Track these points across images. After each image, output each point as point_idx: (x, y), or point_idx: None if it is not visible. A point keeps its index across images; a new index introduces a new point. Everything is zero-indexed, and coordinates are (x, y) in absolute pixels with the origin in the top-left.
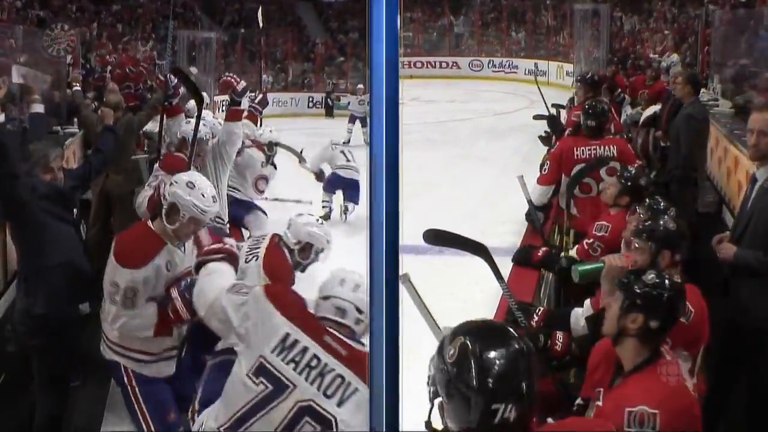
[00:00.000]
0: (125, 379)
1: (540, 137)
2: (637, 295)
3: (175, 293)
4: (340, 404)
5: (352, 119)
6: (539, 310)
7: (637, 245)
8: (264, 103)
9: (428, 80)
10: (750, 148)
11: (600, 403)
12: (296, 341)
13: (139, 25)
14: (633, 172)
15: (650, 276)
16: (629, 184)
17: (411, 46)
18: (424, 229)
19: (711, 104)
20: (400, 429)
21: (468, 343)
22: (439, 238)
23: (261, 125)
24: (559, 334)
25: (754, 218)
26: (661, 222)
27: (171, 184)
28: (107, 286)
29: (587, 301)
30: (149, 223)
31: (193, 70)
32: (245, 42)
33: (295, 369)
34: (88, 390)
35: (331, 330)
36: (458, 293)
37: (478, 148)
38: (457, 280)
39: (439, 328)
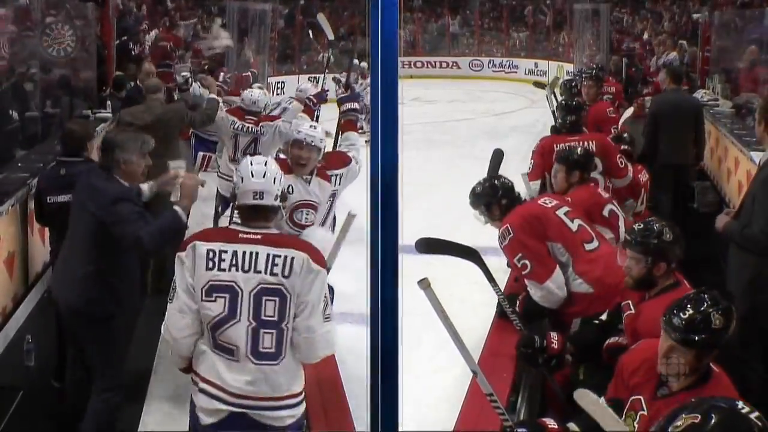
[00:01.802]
0: None
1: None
2: (715, 344)
3: None
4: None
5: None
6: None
7: (632, 255)
8: (321, 97)
9: (428, 80)
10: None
11: (645, 413)
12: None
13: None
14: (568, 148)
15: (717, 321)
16: (570, 159)
17: (411, 46)
18: (424, 229)
19: (711, 104)
20: (400, 429)
21: None
22: (431, 247)
23: (317, 120)
24: (554, 334)
25: (748, 196)
26: (659, 234)
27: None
28: (319, 304)
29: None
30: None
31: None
32: (305, 14)
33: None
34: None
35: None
36: (458, 293)
37: (478, 148)
38: (457, 281)
39: (459, 336)
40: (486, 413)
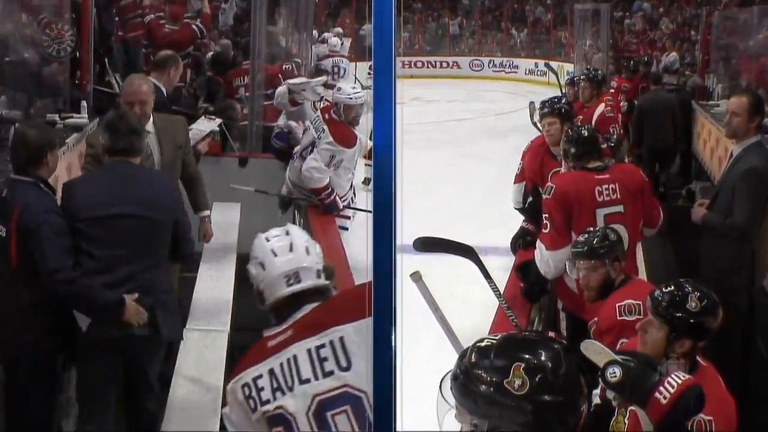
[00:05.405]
0: None
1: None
2: (685, 326)
3: None
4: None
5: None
6: None
7: (588, 266)
8: None
9: (428, 80)
10: (725, 126)
11: (634, 408)
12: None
13: None
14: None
15: (692, 303)
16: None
17: (411, 46)
18: (424, 228)
19: (711, 104)
20: (399, 429)
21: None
22: (428, 245)
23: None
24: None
25: (723, 187)
26: (604, 237)
27: None
28: None
29: None
30: None
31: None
32: None
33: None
34: None
35: None
36: (458, 293)
37: (478, 147)
38: (457, 280)
39: (450, 327)
40: None
